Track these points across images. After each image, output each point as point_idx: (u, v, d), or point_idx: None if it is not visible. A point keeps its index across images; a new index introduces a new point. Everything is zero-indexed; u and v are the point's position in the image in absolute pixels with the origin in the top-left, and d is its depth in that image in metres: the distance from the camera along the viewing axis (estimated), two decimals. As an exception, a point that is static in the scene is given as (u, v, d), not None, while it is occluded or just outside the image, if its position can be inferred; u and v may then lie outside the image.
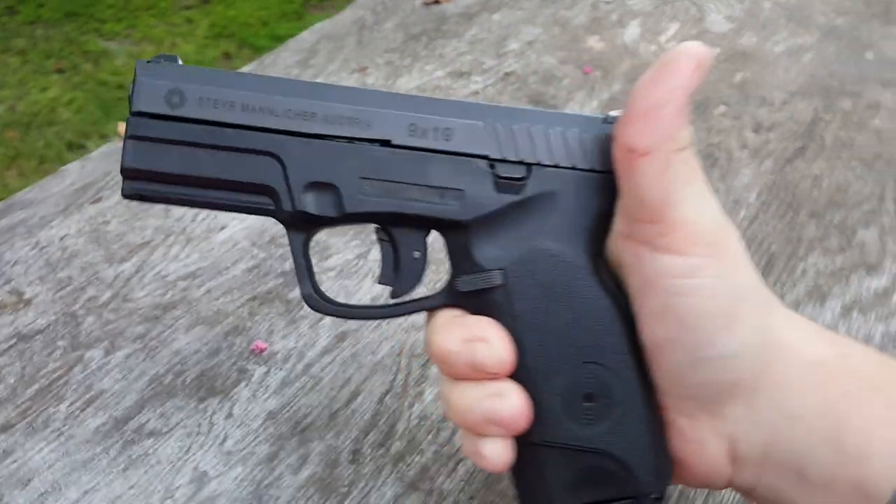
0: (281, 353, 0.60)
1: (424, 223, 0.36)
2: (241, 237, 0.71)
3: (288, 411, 0.55)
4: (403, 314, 0.38)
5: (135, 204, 0.75)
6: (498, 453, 0.33)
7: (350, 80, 0.95)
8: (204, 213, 0.74)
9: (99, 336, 0.61)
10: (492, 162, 0.36)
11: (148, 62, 0.35)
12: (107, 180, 0.78)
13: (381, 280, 0.38)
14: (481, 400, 0.33)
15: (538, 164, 0.35)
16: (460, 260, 0.36)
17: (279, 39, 2.86)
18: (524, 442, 0.34)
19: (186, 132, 0.35)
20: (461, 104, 0.37)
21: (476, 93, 0.90)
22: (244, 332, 0.62)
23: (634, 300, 0.34)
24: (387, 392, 0.56)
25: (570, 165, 0.35)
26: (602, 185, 0.35)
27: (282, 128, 0.35)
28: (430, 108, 0.36)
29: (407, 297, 0.38)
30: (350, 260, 0.68)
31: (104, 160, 0.81)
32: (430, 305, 0.37)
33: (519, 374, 0.34)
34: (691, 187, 0.32)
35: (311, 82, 0.37)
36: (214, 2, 3.06)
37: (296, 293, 0.65)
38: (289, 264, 0.68)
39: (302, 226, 0.37)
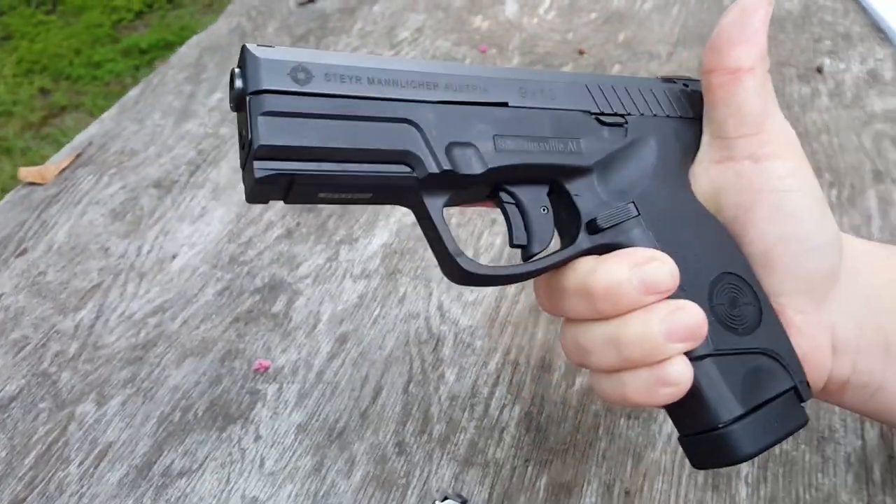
0: (287, 367, 0.58)
1: (550, 174, 0.38)
2: (197, 262, 0.69)
3: (317, 420, 0.54)
4: (550, 268, 0.38)
5: (67, 249, 0.70)
6: (685, 370, 0.34)
7: (250, 90, 0.93)
8: (147, 245, 0.71)
9: (83, 389, 0.58)
10: (595, 115, 0.39)
11: (256, 46, 0.34)
12: (25, 230, 0.73)
13: (514, 243, 0.38)
14: (664, 319, 0.34)
15: (629, 114, 0.40)
16: (591, 203, 0.38)
17: (97, 66, 2.70)
18: (696, 357, 0.36)
19: (321, 105, 0.34)
20: (553, 73, 0.41)
21: (384, 84, 0.91)
22: (240, 354, 0.60)
23: (742, 214, 0.38)
24: (409, 381, 0.56)
25: (654, 114, 0.41)
26: (681, 127, 0.41)
27: (411, 97, 0.36)
28: (530, 75, 0.39)
29: (545, 252, 0.38)
30: (321, 264, 0.67)
31: (13, 210, 0.75)
32: (572, 252, 0.38)
33: (677, 295, 0.36)
34: (776, 102, 0.38)
35: (414, 60, 0.38)
36: (17, 37, 2.83)
37: (279, 307, 0.64)
38: (260, 279, 0.66)
39: (441, 191, 0.36)
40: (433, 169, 0.35)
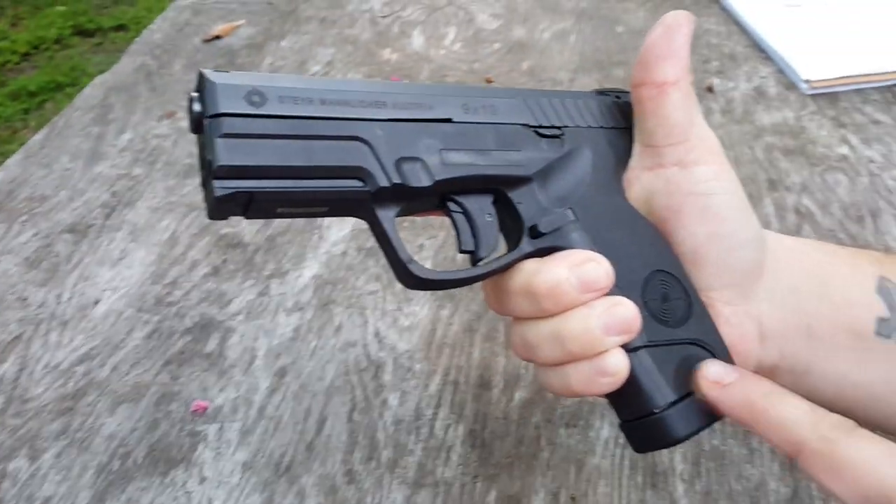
0: (226, 405, 0.58)
1: (494, 183, 0.41)
2: (121, 307, 0.67)
3: (262, 457, 0.54)
4: (497, 271, 0.40)
5: (-19, 301, 0.67)
6: (622, 361, 0.37)
7: (162, 127, 0.91)
8: (67, 292, 0.69)
9: (13, 445, 0.56)
10: (534, 128, 0.42)
11: (214, 70, 0.36)
12: (-68, 284, 0.69)
13: (463, 248, 0.40)
14: (601, 315, 0.37)
15: (566, 126, 0.43)
16: (532, 210, 0.41)
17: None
18: (631, 349, 0.38)
19: (276, 127, 0.36)
20: (493, 89, 0.43)
21: (299, 118, 0.91)
22: (175, 397, 0.59)
23: (672, 216, 0.41)
24: (352, 410, 0.57)
25: (588, 125, 0.43)
26: (614, 137, 0.44)
27: (361, 116, 0.38)
28: (472, 92, 0.42)
29: (490, 258, 0.41)
30: (252, 300, 0.67)
31: (-83, 263, 0.72)
32: (516, 256, 0.40)
33: (612, 293, 0.39)
34: (699, 111, 0.41)
35: (364, 80, 0.40)
36: None
37: (212, 346, 0.63)
38: (189, 319, 0.66)
39: (392, 203, 0.39)
40: (384, 182, 0.37)
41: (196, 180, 0.83)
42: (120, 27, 3.09)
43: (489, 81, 0.96)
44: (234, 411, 0.58)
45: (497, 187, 0.41)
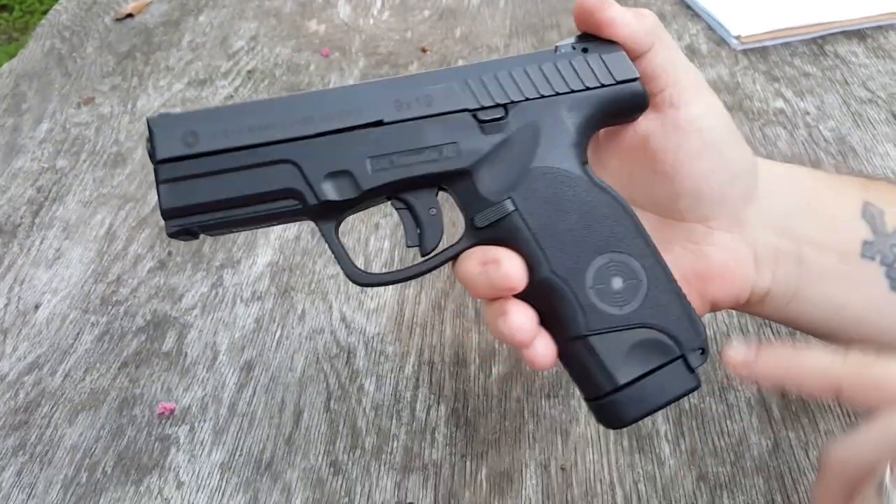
0: (194, 405, 0.56)
1: (432, 181, 0.40)
2: (65, 309, 0.64)
3: (240, 455, 0.52)
4: (439, 265, 0.41)
5: None
6: (542, 353, 0.39)
7: (81, 114, 0.86)
8: (3, 298, 0.65)
9: (-35, 467, 0.52)
10: (473, 112, 0.40)
11: (157, 116, 0.39)
12: None
13: (409, 243, 0.41)
14: (496, 321, 0.39)
15: (512, 102, 0.40)
16: (472, 202, 0.40)
17: None
18: (575, 337, 0.39)
19: (209, 164, 0.39)
20: (431, 74, 0.41)
21: (230, 97, 0.88)
22: (137, 401, 0.56)
23: (670, 156, 0.41)
24: (328, 399, 0.55)
25: (539, 95, 0.40)
26: (575, 103, 0.41)
27: (288, 136, 0.39)
28: (407, 84, 0.40)
29: (436, 251, 0.41)
30: (206, 293, 0.64)
31: None
32: (458, 249, 0.40)
33: (552, 280, 0.39)
34: (675, 46, 0.42)
35: (300, 93, 0.40)
36: None
37: (169, 344, 0.60)
38: (141, 318, 0.63)
39: (330, 215, 0.40)
40: (313, 201, 0.39)
41: (127, 169, 0.79)
42: (2, 7, 2.91)
43: (424, 51, 0.94)
44: (203, 411, 0.55)
45: (437, 182, 0.40)
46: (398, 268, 0.63)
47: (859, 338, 0.44)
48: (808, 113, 0.78)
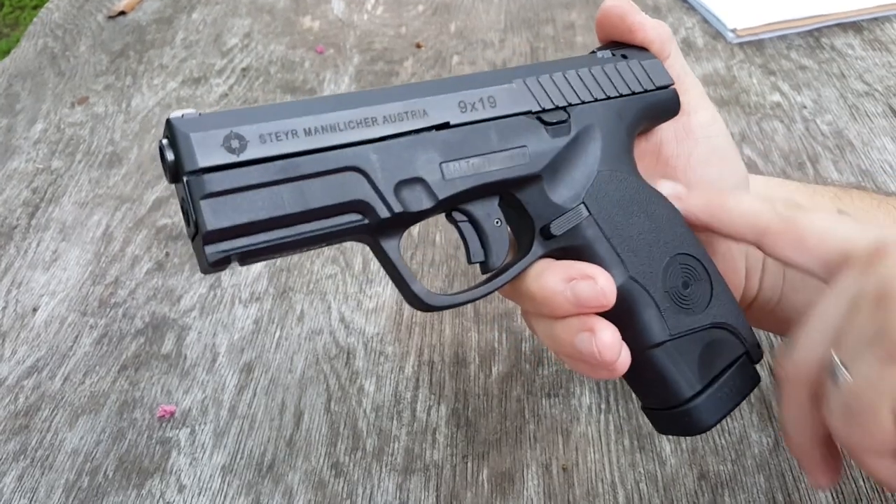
0: (194, 408, 0.56)
1: (501, 188, 0.38)
2: (63, 312, 0.63)
3: (241, 458, 0.52)
4: (509, 280, 0.38)
5: None
6: (620, 366, 0.36)
7: (76, 114, 0.86)
8: (0, 301, 0.64)
9: (-35, 473, 0.52)
10: (537, 114, 0.39)
11: (183, 118, 0.32)
12: None
13: (473, 259, 0.38)
14: (581, 340, 0.36)
15: (571, 105, 0.39)
16: (544, 209, 0.38)
17: None
18: (655, 345, 0.38)
19: (260, 174, 0.33)
20: (488, 75, 0.39)
21: (225, 95, 0.87)
22: (137, 404, 0.56)
23: (682, 162, 0.42)
24: (329, 400, 0.55)
25: (595, 98, 0.40)
26: (623, 107, 0.40)
27: (352, 140, 0.34)
28: (465, 84, 0.38)
29: (502, 265, 0.39)
30: (204, 294, 0.64)
31: None
32: (529, 261, 0.38)
33: (632, 287, 0.38)
34: (681, 56, 0.43)
35: (345, 94, 0.36)
36: None
37: (168, 346, 0.60)
38: (139, 320, 0.62)
39: (394, 231, 0.36)
40: (385, 214, 0.35)
41: (122, 170, 0.78)
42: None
43: (419, 46, 0.94)
44: (203, 413, 0.55)
45: (504, 189, 0.38)
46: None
47: None
48: (804, 107, 0.78)
